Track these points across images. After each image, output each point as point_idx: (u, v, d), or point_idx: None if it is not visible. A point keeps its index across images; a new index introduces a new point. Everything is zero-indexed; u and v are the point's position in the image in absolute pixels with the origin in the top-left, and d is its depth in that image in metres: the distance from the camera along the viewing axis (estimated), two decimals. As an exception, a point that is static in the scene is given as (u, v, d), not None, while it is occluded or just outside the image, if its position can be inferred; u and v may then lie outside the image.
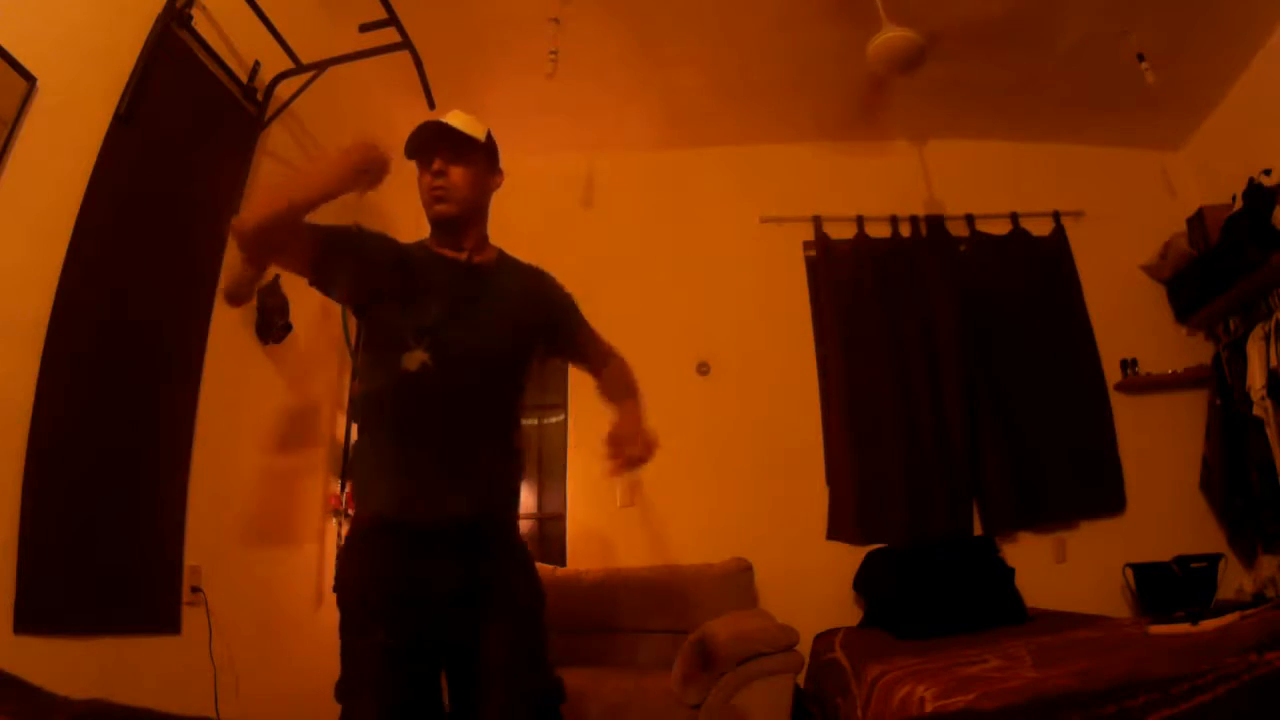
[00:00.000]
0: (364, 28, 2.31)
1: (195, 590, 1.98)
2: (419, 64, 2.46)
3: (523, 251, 1.66)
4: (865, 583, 3.16)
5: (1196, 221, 3.44)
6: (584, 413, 3.52)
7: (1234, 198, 3.18)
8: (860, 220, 3.72)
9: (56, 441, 1.61)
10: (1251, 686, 0.82)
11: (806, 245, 3.76)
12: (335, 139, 2.83)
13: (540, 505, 3.58)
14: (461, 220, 1.53)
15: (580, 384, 3.54)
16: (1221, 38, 3.13)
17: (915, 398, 3.46)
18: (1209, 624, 1.80)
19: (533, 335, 1.57)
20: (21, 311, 1.59)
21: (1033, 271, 3.65)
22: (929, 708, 1.62)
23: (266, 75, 2.39)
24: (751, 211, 3.76)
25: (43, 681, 0.92)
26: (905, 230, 3.73)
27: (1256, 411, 2.98)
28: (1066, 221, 3.72)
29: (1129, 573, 3.13)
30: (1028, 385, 3.47)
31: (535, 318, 1.57)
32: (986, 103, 3.59)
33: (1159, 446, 3.41)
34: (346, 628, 1.38)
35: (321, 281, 1.45)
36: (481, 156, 1.55)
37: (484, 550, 1.41)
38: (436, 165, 1.49)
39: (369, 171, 1.33)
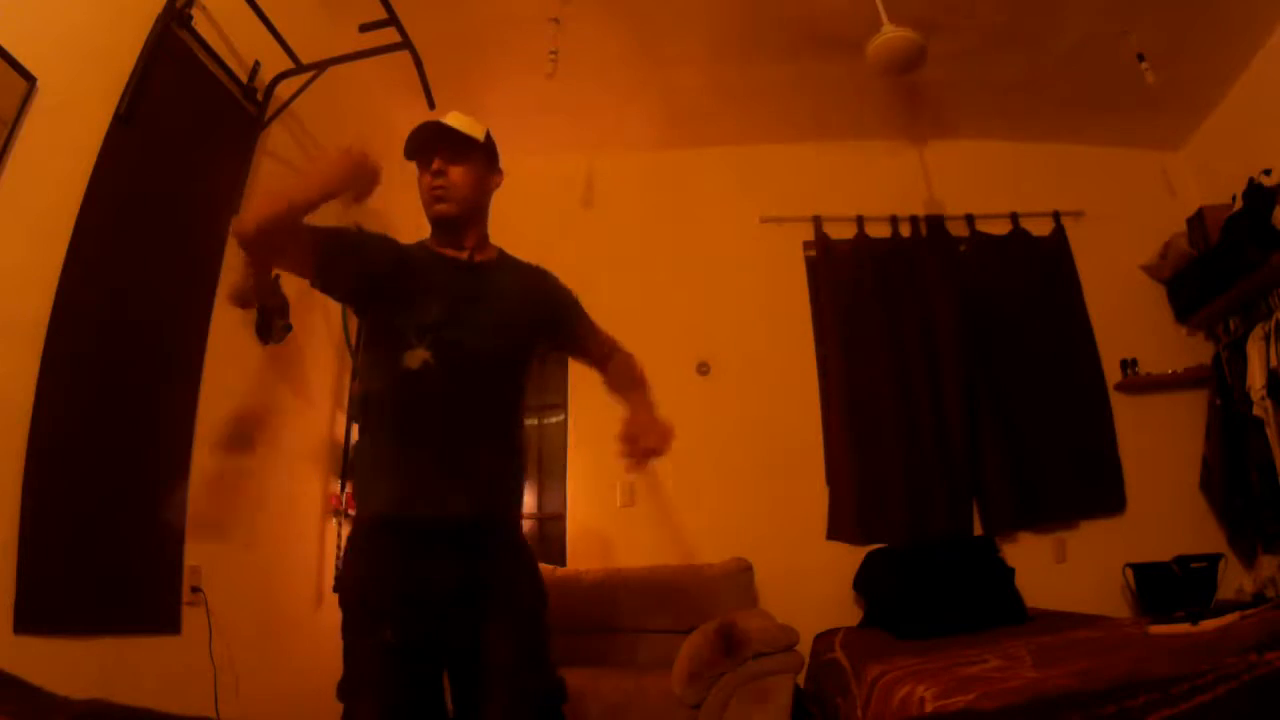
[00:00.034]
0: (364, 28, 2.31)
1: (195, 590, 1.98)
2: (419, 64, 2.46)
3: (523, 252, 1.66)
4: (865, 583, 3.16)
5: (1196, 221, 3.44)
6: (584, 412, 3.53)
7: (1234, 198, 3.18)
8: (860, 220, 3.72)
9: (56, 441, 1.61)
10: (1251, 686, 0.82)
11: (806, 245, 3.76)
12: (335, 139, 2.83)
13: (540, 505, 3.58)
14: (461, 220, 1.53)
15: (580, 384, 3.55)
16: (1221, 38, 3.13)
17: (915, 398, 3.46)
18: (1209, 624, 1.80)
19: (533, 333, 1.58)
20: (21, 311, 1.59)
21: (1033, 271, 3.65)
22: (929, 708, 1.62)
23: (266, 75, 2.39)
24: (751, 211, 3.76)
25: (43, 681, 0.92)
26: (905, 230, 3.73)
27: (1256, 411, 2.98)
28: (1066, 221, 3.72)
29: (1129, 573, 3.13)
30: (1028, 385, 3.47)
31: (536, 316, 1.57)
32: (986, 103, 3.59)
33: (1159, 446, 3.41)
34: (348, 627, 1.38)
35: (322, 282, 1.46)
36: (481, 156, 1.55)
37: (486, 550, 1.41)
38: (436, 165, 1.50)
39: (360, 179, 1.33)
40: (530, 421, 3.62)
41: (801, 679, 2.72)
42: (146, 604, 1.87)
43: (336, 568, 2.65)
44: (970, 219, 3.73)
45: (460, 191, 1.51)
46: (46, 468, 1.58)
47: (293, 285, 2.35)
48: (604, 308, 1.74)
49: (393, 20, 2.28)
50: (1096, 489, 3.37)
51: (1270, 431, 2.91)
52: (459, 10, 2.94)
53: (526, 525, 3.47)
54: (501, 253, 1.62)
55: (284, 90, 2.45)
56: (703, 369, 3.57)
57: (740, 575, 2.99)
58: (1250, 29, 3.10)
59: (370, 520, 1.44)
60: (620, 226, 3.77)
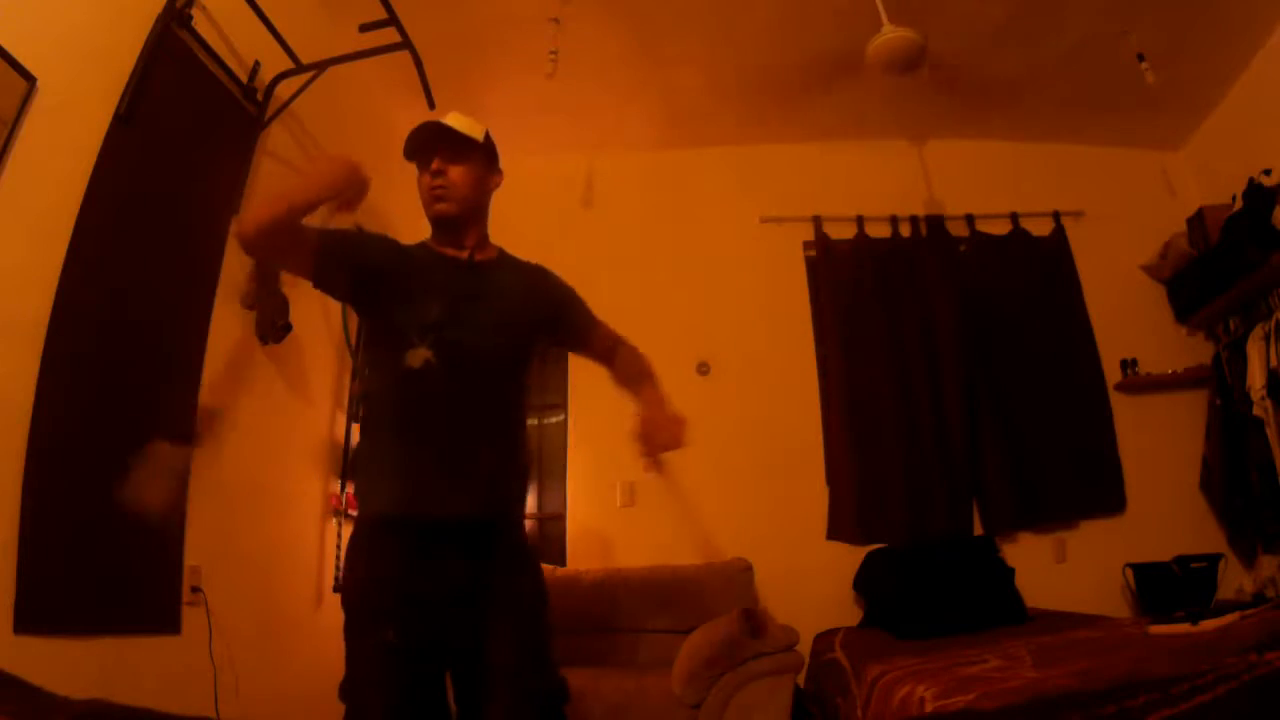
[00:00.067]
0: (364, 28, 2.31)
1: (195, 590, 1.98)
2: (419, 64, 2.46)
3: (523, 252, 1.66)
4: (865, 583, 3.16)
5: (1196, 221, 3.44)
6: (584, 412, 3.52)
7: (1234, 198, 3.18)
8: (860, 220, 3.72)
9: (56, 441, 1.61)
10: (1251, 686, 0.82)
11: (806, 245, 3.76)
12: (335, 139, 2.84)
13: (540, 505, 3.58)
14: (461, 219, 1.53)
15: (580, 384, 3.55)
16: (1221, 38, 3.13)
17: (915, 398, 3.46)
18: (1209, 624, 1.80)
19: (534, 331, 1.58)
20: (21, 311, 1.59)
21: (1033, 271, 3.66)
22: (929, 708, 1.62)
23: (266, 75, 2.39)
24: (751, 211, 3.76)
25: (43, 681, 0.92)
26: (905, 230, 3.73)
27: (1256, 411, 2.98)
28: (1066, 221, 3.72)
29: (1129, 573, 3.13)
30: (1028, 385, 3.47)
31: (536, 314, 1.57)
32: (986, 103, 3.59)
33: (1159, 446, 3.41)
34: (351, 628, 1.38)
35: (323, 282, 1.46)
36: (480, 156, 1.56)
37: (488, 550, 1.41)
38: (435, 165, 1.50)
39: (350, 187, 1.33)
40: (530, 421, 3.61)
41: (801, 679, 2.72)
42: (146, 604, 1.87)
43: (336, 568, 2.65)
44: (970, 219, 3.73)
45: (460, 191, 1.51)
46: (46, 468, 1.58)
47: (292, 285, 2.35)
48: (604, 308, 1.74)
49: (393, 20, 2.28)
50: (1096, 489, 3.37)
51: (1270, 431, 2.91)
52: (459, 10, 2.94)
53: (526, 525, 3.48)
54: (502, 252, 1.62)
55: (284, 90, 2.45)
56: (703, 369, 3.57)
57: (740, 575, 2.99)
58: (1250, 29, 3.10)
59: (372, 520, 1.44)
60: (620, 226, 3.77)
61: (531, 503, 3.57)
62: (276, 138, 2.51)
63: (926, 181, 3.81)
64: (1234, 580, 3.13)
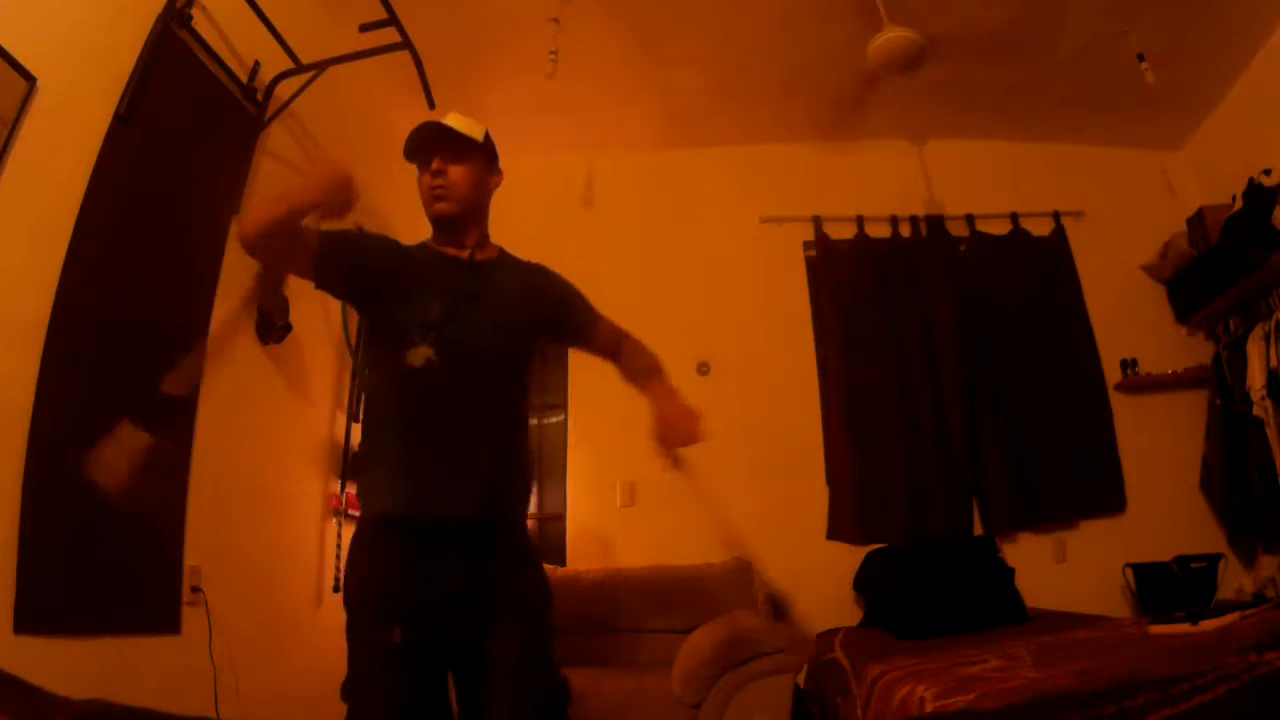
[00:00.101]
0: (364, 28, 2.31)
1: (195, 590, 1.98)
2: (419, 64, 2.46)
3: (523, 252, 1.66)
4: (865, 583, 3.16)
5: (1196, 221, 3.44)
6: (584, 412, 3.52)
7: (1234, 198, 3.18)
8: (860, 220, 3.72)
9: (56, 441, 1.60)
10: (1251, 686, 0.82)
11: (806, 245, 3.76)
12: (335, 139, 2.84)
13: (540, 505, 3.58)
14: (462, 219, 1.53)
15: (580, 384, 3.55)
16: (1221, 38, 3.13)
17: (915, 398, 3.46)
18: (1209, 624, 1.80)
19: (534, 330, 1.58)
20: (21, 311, 1.59)
21: (1033, 271, 3.66)
22: (929, 708, 1.62)
23: (266, 75, 2.39)
24: (751, 211, 3.76)
25: (43, 681, 0.92)
26: (905, 230, 3.73)
27: (1256, 411, 2.98)
28: (1066, 221, 3.72)
29: (1129, 573, 3.13)
30: (1028, 385, 3.47)
31: (537, 313, 1.57)
32: (986, 103, 3.59)
33: (1159, 446, 3.41)
34: (353, 628, 1.38)
35: (324, 282, 1.47)
36: (480, 156, 1.56)
37: (490, 550, 1.41)
38: (435, 165, 1.51)
39: (339, 194, 1.33)
40: (530, 421, 3.61)
41: (801, 679, 2.72)
42: (146, 604, 1.87)
43: (336, 568, 2.65)
44: (970, 219, 3.73)
45: (460, 191, 1.52)
46: (46, 468, 1.58)
47: (292, 285, 2.35)
48: (604, 308, 1.74)
49: (393, 20, 2.28)
50: (1096, 489, 3.37)
51: (1270, 431, 2.91)
52: (459, 10, 2.94)
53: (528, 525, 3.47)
54: (502, 251, 1.62)
55: (284, 90, 2.45)
56: (703, 369, 3.57)
57: (740, 575, 2.99)
58: (1250, 29, 3.10)
59: (374, 520, 1.44)
60: (620, 226, 3.77)
61: (532, 503, 3.56)
62: (276, 138, 2.51)
63: (926, 181, 3.81)
64: (1234, 580, 3.13)
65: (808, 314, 3.68)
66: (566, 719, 1.46)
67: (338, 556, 2.67)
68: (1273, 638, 1.33)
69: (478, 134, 1.53)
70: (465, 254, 1.53)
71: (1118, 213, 3.71)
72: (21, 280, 1.60)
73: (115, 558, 1.77)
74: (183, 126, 2.09)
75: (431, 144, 1.51)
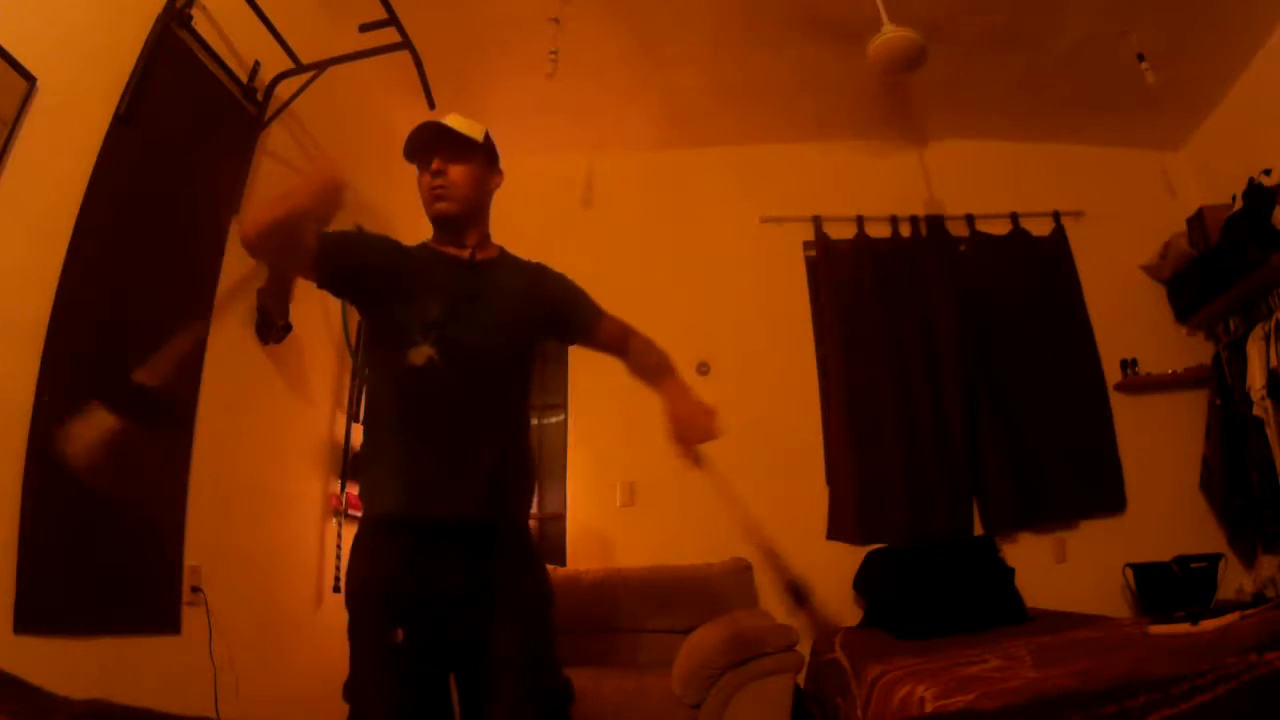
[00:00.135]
0: (364, 28, 2.31)
1: (195, 590, 1.98)
2: (419, 64, 2.46)
3: (523, 252, 1.67)
4: (865, 583, 3.16)
5: (1196, 221, 3.44)
6: (584, 412, 3.53)
7: (1234, 198, 3.18)
8: (860, 220, 3.72)
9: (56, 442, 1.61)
10: (1251, 686, 0.82)
11: (806, 245, 3.76)
12: (335, 139, 2.84)
13: (540, 505, 3.58)
14: (462, 219, 1.54)
15: (580, 384, 3.55)
16: (1221, 38, 3.13)
17: (915, 398, 3.46)
18: (1209, 624, 1.80)
19: (535, 330, 1.58)
20: (21, 311, 1.59)
21: (1033, 271, 3.66)
22: (929, 708, 1.62)
23: (266, 75, 2.39)
24: (751, 211, 3.76)
25: (43, 681, 0.92)
26: (905, 230, 3.73)
27: (1256, 411, 2.98)
28: (1066, 221, 3.72)
29: (1129, 573, 3.13)
30: (1028, 385, 3.47)
31: (538, 312, 1.57)
32: (986, 103, 3.59)
33: (1159, 446, 3.41)
34: (355, 628, 1.38)
35: (325, 282, 1.47)
36: (480, 156, 1.56)
37: (491, 550, 1.41)
38: (435, 165, 1.51)
39: (329, 197, 1.33)
40: (531, 421, 3.62)
41: (801, 679, 2.72)
42: (146, 604, 1.87)
43: (336, 568, 2.65)
44: (970, 219, 3.73)
45: (460, 190, 1.52)
46: (46, 468, 1.57)
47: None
48: (604, 307, 1.74)
49: (393, 20, 2.28)
50: (1096, 489, 3.37)
51: (1270, 431, 2.91)
52: (459, 10, 2.94)
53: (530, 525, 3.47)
54: (503, 251, 1.62)
55: (284, 90, 2.45)
56: (703, 369, 3.57)
57: (740, 575, 2.99)
58: (1250, 29, 3.10)
59: (376, 520, 1.44)
60: (620, 226, 3.77)
61: (533, 503, 3.57)
62: (276, 138, 2.51)
63: (926, 181, 3.81)
64: (1234, 580, 3.13)
65: (808, 314, 3.68)
66: (569, 719, 1.46)
67: (338, 556, 2.67)
68: (1273, 638, 1.33)
69: (478, 134, 1.53)
70: (466, 254, 1.54)
71: (1118, 213, 3.71)
72: (21, 280, 1.60)
73: (115, 558, 1.77)
74: (183, 126, 2.09)
75: (432, 144, 1.51)
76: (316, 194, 1.33)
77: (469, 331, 1.44)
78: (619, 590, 2.98)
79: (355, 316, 2.84)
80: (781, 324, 3.65)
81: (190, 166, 2.13)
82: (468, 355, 1.43)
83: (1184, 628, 1.88)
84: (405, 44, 2.36)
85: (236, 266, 2.22)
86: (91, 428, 1.25)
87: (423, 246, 1.56)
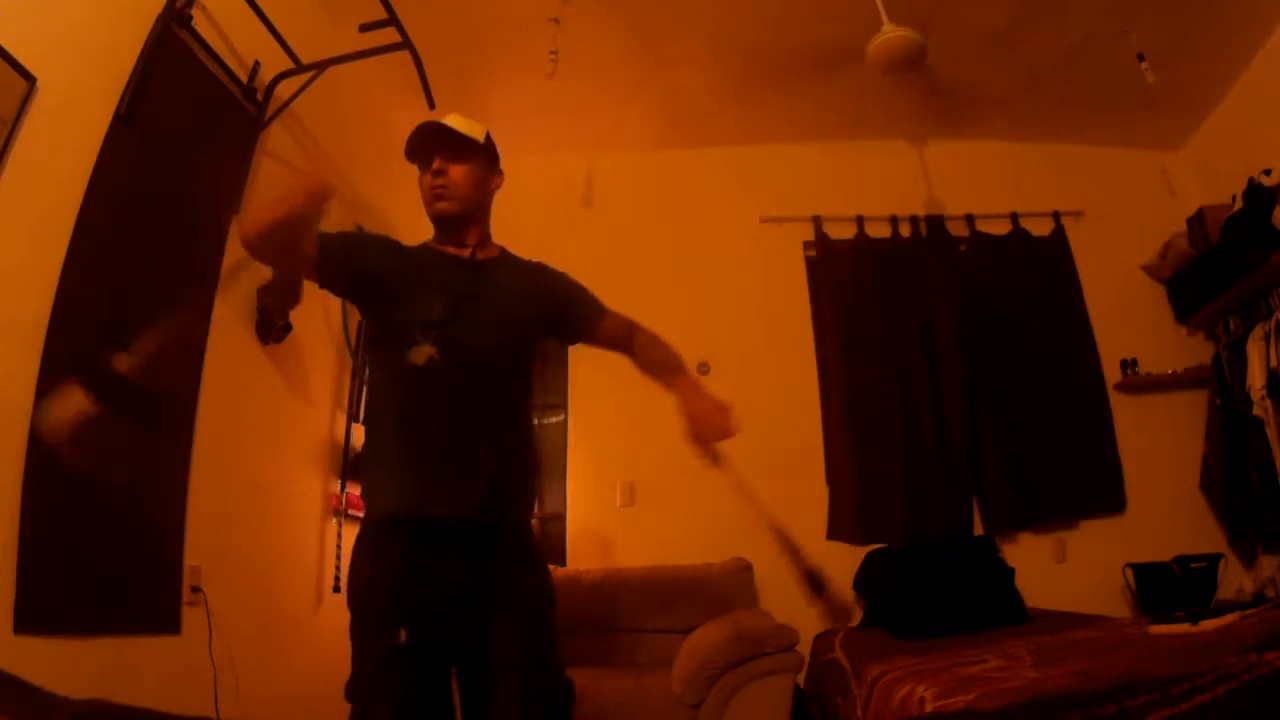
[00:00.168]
0: (364, 28, 2.31)
1: (195, 590, 1.98)
2: (419, 64, 2.46)
3: (523, 252, 1.67)
4: (865, 583, 3.16)
5: (1196, 221, 3.44)
6: (584, 412, 3.53)
7: (1234, 198, 3.18)
8: (860, 220, 3.72)
9: (56, 441, 1.61)
10: (1251, 686, 0.82)
11: (806, 245, 3.76)
12: (335, 139, 2.84)
13: (540, 505, 3.58)
14: (463, 218, 1.54)
15: (580, 384, 3.55)
16: (1221, 38, 3.13)
17: (915, 398, 3.46)
18: (1209, 624, 1.80)
19: (537, 329, 1.58)
20: (21, 311, 1.59)
21: (1033, 271, 3.66)
22: (929, 708, 1.62)
23: (266, 75, 2.39)
24: (751, 211, 3.76)
25: (43, 681, 0.92)
26: (905, 230, 3.73)
27: (1256, 411, 2.98)
28: (1066, 221, 3.72)
29: (1129, 573, 3.13)
30: (1028, 385, 3.47)
31: (539, 311, 1.57)
32: (986, 103, 3.59)
33: (1159, 446, 3.41)
34: (357, 628, 1.38)
35: (326, 282, 1.47)
36: (481, 156, 1.56)
37: (493, 549, 1.41)
38: (436, 165, 1.51)
39: (313, 200, 1.33)
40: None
41: (801, 679, 2.72)
42: (146, 604, 1.87)
43: (336, 568, 2.65)
44: (970, 219, 3.73)
45: (461, 190, 1.52)
46: (46, 468, 1.58)
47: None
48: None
49: (393, 20, 2.28)
50: (1096, 489, 3.37)
51: (1270, 431, 2.91)
52: (459, 10, 2.94)
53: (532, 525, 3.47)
54: (504, 251, 1.63)
55: (284, 90, 2.45)
56: (703, 369, 3.56)
57: (740, 575, 2.99)
58: (1250, 29, 3.10)
59: (378, 520, 1.44)
60: (620, 226, 3.77)
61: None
62: (276, 138, 2.51)
63: (926, 181, 3.81)
64: (1234, 580, 3.13)
65: (808, 314, 3.68)
66: (570, 719, 1.46)
67: (338, 556, 2.67)
68: (1273, 638, 1.33)
69: (479, 134, 1.53)
70: (467, 253, 1.54)
71: (1118, 213, 3.72)
72: (21, 280, 1.60)
73: (115, 558, 1.77)
74: (183, 126, 2.09)
75: (432, 144, 1.52)
76: (313, 194, 1.34)
77: (470, 331, 1.44)
78: (619, 590, 2.98)
79: (355, 316, 2.84)
80: (781, 324, 3.65)
81: (190, 166, 2.13)
82: (469, 355, 1.43)
83: (1184, 628, 1.88)
84: (405, 44, 2.36)
85: (236, 266, 2.21)
86: (66, 407, 1.25)
87: (424, 246, 1.56)
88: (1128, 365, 3.49)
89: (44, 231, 1.66)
